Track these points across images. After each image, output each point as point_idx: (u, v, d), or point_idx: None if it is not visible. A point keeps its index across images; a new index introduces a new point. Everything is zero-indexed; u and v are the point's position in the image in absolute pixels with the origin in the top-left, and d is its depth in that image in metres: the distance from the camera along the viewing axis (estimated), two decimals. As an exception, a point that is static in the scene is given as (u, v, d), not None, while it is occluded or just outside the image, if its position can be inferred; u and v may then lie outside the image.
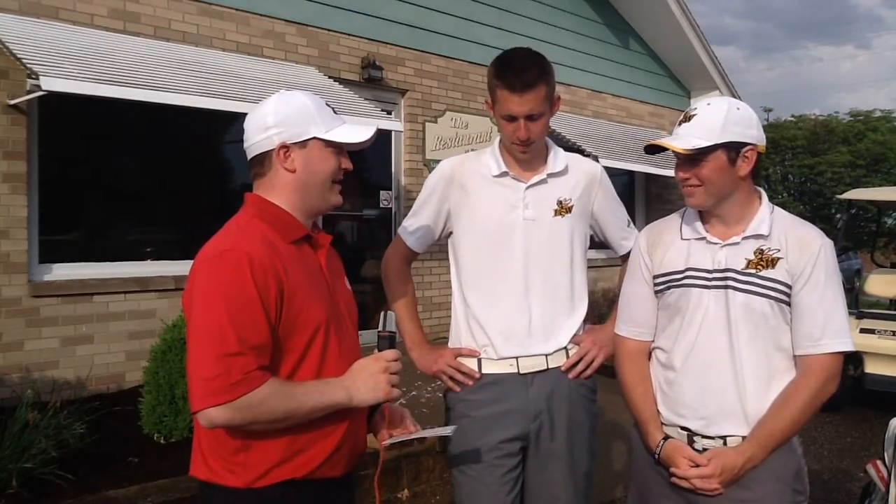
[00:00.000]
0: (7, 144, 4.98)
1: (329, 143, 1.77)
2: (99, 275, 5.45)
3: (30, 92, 4.85)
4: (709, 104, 1.98)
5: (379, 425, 1.92)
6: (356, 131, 1.80)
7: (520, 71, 2.19)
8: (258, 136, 1.77)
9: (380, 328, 1.84)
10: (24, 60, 4.57)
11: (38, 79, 4.44)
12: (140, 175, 6.12)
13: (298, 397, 1.65)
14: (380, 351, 1.79)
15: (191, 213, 6.32)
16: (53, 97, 4.62)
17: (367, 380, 1.73)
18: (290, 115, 1.75)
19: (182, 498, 3.51)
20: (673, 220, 2.15)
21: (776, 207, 2.06)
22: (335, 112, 1.83)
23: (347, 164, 1.82)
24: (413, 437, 1.91)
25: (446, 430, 2.04)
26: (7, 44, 4.69)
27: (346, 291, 1.90)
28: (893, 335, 6.36)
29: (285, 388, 1.64)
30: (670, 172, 9.71)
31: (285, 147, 1.75)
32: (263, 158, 1.78)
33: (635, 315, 2.15)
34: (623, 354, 2.17)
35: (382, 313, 1.86)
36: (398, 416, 1.96)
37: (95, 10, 5.44)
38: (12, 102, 4.96)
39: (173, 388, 4.21)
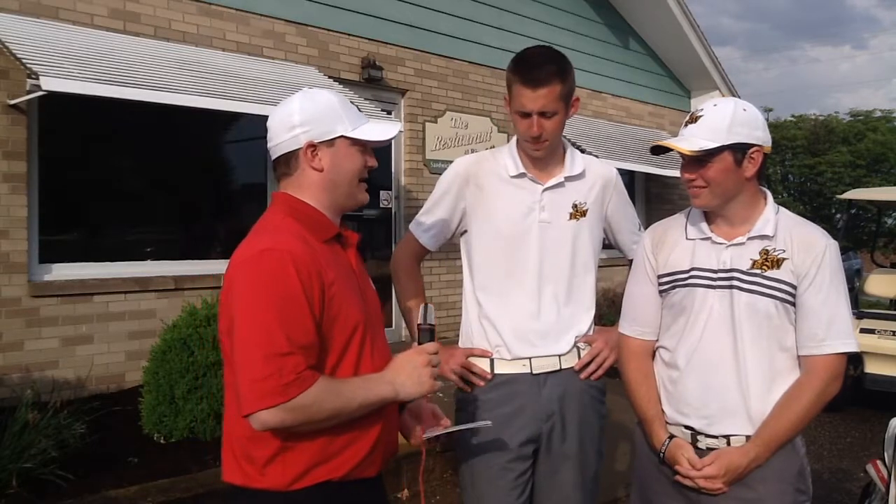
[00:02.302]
0: (7, 144, 4.98)
1: (355, 142, 1.76)
2: (99, 275, 5.44)
3: (30, 92, 4.84)
4: (715, 105, 1.97)
5: (409, 422, 1.92)
6: (381, 129, 1.79)
7: (535, 66, 2.20)
8: (284, 135, 1.73)
9: (420, 321, 1.84)
10: (24, 60, 4.57)
11: (38, 79, 4.44)
12: (140, 175, 6.12)
13: (346, 394, 1.64)
14: (420, 343, 1.79)
15: (191, 213, 6.32)
16: (53, 97, 4.62)
17: (411, 373, 1.72)
18: (317, 114, 1.72)
19: (182, 498, 3.51)
20: (678, 219, 2.16)
21: (781, 208, 2.06)
22: (359, 109, 1.81)
23: (373, 161, 1.81)
24: (450, 430, 1.92)
25: (483, 423, 2.02)
26: (7, 44, 4.69)
27: (373, 290, 1.88)
28: (893, 335, 6.36)
29: (333, 386, 1.63)
30: (670, 172, 9.75)
31: (312, 146, 1.72)
32: (290, 158, 1.75)
33: (639, 314, 2.15)
34: (627, 353, 2.17)
35: (423, 306, 1.87)
36: (429, 411, 1.96)
37: (95, 10, 5.44)
38: (12, 102, 4.96)
39: (173, 388, 4.21)
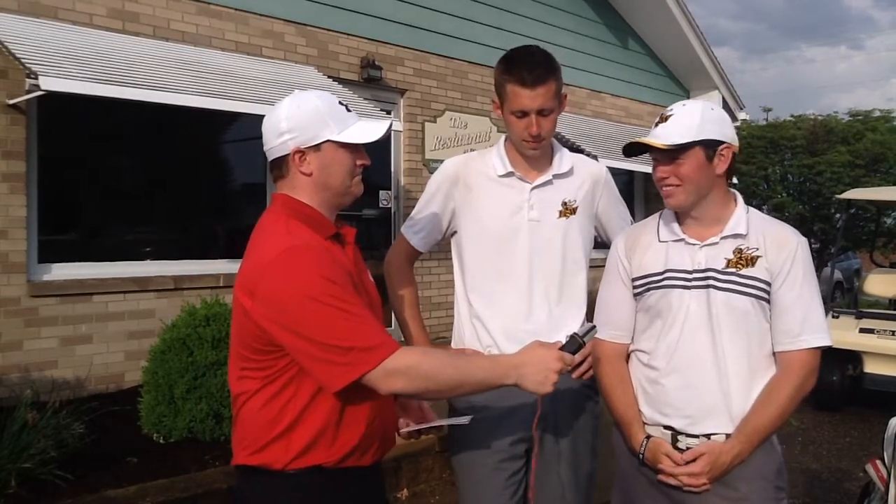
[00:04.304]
0: (6, 144, 4.98)
1: (343, 144, 1.78)
2: (98, 274, 5.44)
3: (29, 92, 4.84)
4: (684, 105, 2.03)
5: (396, 414, 1.94)
6: (368, 130, 1.81)
7: (531, 65, 2.20)
8: (274, 141, 1.78)
9: (578, 331, 1.86)
10: (23, 60, 4.56)
11: (37, 78, 4.44)
12: (139, 175, 6.12)
13: (467, 369, 1.75)
14: (564, 349, 1.81)
15: (190, 213, 6.32)
16: (53, 97, 4.61)
17: (540, 371, 1.75)
18: (303, 120, 1.75)
19: (181, 498, 3.51)
20: (650, 222, 2.18)
21: (751, 208, 2.09)
22: (348, 109, 1.83)
23: (364, 159, 1.83)
24: (431, 425, 1.94)
25: (463, 420, 2.01)
26: (6, 43, 4.69)
27: (372, 284, 1.91)
28: (892, 335, 6.36)
29: (454, 360, 1.77)
30: (669, 172, 9.67)
31: (300, 152, 1.76)
32: (281, 162, 1.80)
33: (613, 318, 2.16)
34: (601, 357, 2.18)
35: (589, 324, 1.92)
36: (416, 405, 1.98)
37: (94, 10, 5.43)
38: (11, 102, 4.96)
39: (172, 388, 4.21)
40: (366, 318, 1.65)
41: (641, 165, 8.72)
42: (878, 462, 2.94)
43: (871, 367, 6.42)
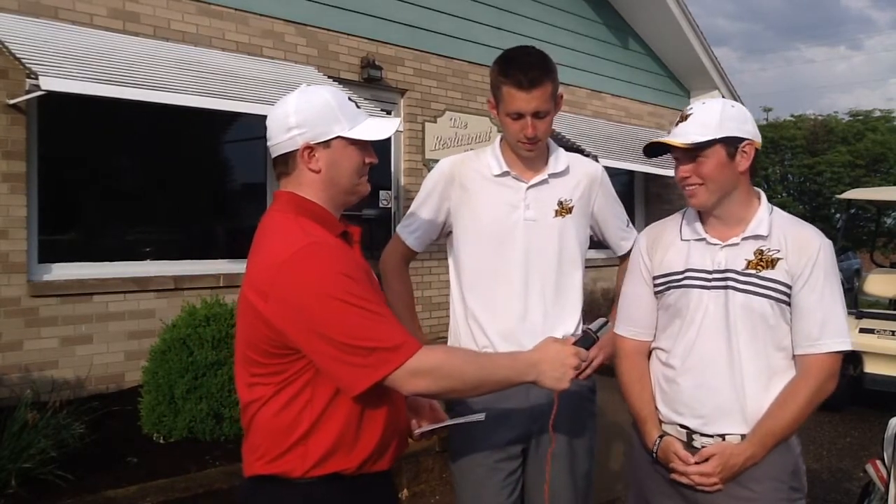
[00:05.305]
0: (6, 144, 4.98)
1: (353, 141, 1.74)
2: (98, 275, 5.44)
3: (29, 92, 4.84)
4: (704, 103, 2.01)
5: (407, 416, 1.91)
6: (378, 127, 1.77)
7: (527, 67, 2.19)
8: (281, 136, 1.71)
9: (592, 326, 1.86)
10: (23, 60, 4.56)
11: (37, 79, 4.44)
12: (140, 175, 6.12)
13: (490, 367, 1.72)
14: (578, 344, 1.80)
15: (190, 213, 6.32)
16: (53, 97, 4.62)
17: (557, 367, 1.73)
18: (313, 115, 1.70)
19: (181, 498, 3.51)
20: (673, 220, 2.17)
21: (775, 208, 2.07)
22: (358, 106, 1.79)
23: (372, 158, 1.80)
24: (444, 424, 1.92)
25: (476, 417, 1.98)
26: (6, 43, 4.69)
27: (377, 284, 1.87)
28: (893, 335, 6.36)
29: (477, 358, 1.76)
30: (670, 172, 9.73)
31: (309, 148, 1.70)
32: (287, 158, 1.73)
33: (635, 315, 2.16)
34: (622, 354, 2.19)
35: (602, 319, 1.91)
36: (427, 406, 1.94)
37: (95, 10, 5.44)
38: (12, 102, 4.96)
39: (172, 388, 4.21)
40: (386, 316, 1.60)
41: (641, 166, 8.73)
42: (878, 462, 2.94)
43: (871, 367, 6.41)
